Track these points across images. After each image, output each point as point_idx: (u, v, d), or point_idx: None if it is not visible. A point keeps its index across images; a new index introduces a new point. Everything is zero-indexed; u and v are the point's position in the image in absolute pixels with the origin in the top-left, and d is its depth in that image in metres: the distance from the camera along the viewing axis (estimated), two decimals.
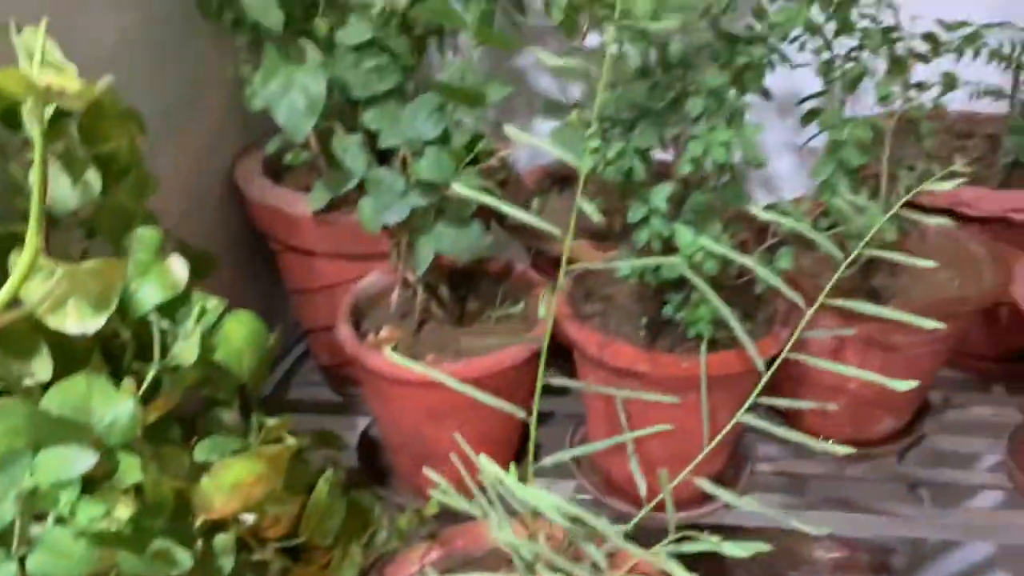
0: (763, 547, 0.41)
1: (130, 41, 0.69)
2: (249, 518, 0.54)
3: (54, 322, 0.38)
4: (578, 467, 0.75)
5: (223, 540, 0.52)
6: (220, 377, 0.55)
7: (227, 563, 0.52)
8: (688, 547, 0.43)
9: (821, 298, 0.52)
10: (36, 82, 0.35)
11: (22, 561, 0.34)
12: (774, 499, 0.80)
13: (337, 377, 0.88)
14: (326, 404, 0.88)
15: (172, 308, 0.52)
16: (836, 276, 0.52)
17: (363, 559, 0.62)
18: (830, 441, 0.78)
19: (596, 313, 0.71)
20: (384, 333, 0.71)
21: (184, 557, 0.41)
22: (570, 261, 0.77)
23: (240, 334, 0.53)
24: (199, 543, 0.50)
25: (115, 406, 0.39)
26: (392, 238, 0.71)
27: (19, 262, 0.35)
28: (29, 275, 0.35)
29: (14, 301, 0.37)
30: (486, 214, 0.74)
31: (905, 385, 0.50)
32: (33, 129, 0.35)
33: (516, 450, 0.77)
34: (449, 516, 0.72)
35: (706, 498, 0.73)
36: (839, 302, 0.53)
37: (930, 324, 0.51)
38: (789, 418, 0.80)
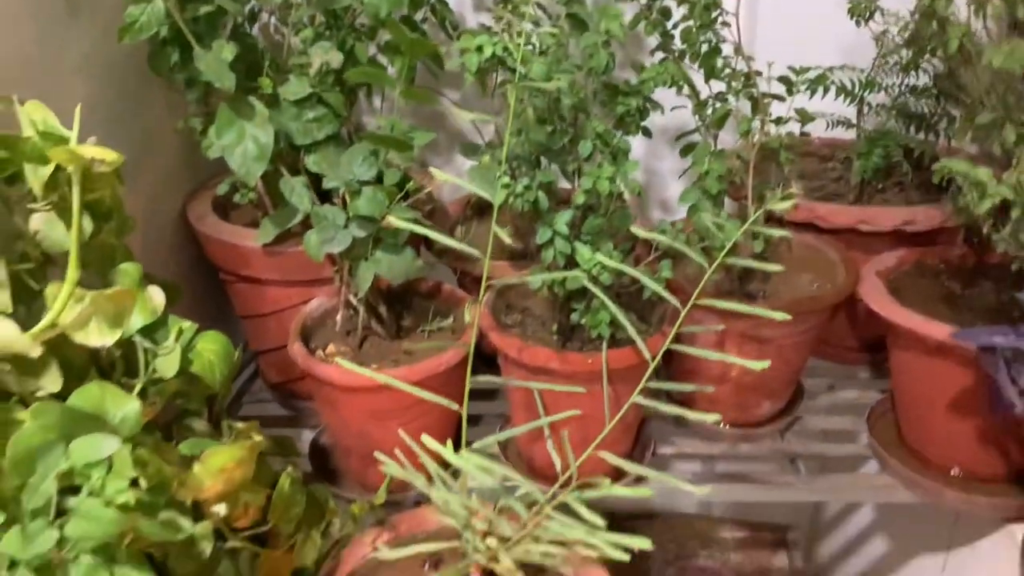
0: (647, 492, 0.52)
1: (95, 102, 0.78)
2: (222, 510, 0.63)
3: (80, 338, 0.47)
4: (505, 456, 0.86)
5: (203, 527, 0.60)
6: (194, 388, 0.64)
7: (207, 547, 0.60)
8: (589, 493, 0.54)
9: (693, 298, 0.65)
10: (82, 154, 0.45)
11: (61, 528, 0.43)
12: (676, 475, 0.91)
13: (286, 393, 0.97)
14: (276, 418, 0.97)
15: (152, 330, 0.61)
16: (704, 280, 0.64)
17: (322, 544, 0.72)
18: (720, 422, 0.92)
19: (515, 323, 0.82)
20: (331, 349, 0.81)
21: (186, 524, 0.50)
22: (491, 279, 0.88)
23: (211, 350, 0.63)
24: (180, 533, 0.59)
25: (124, 405, 0.48)
26: (334, 265, 0.81)
27: (62, 290, 0.44)
28: (70, 300, 0.44)
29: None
30: (417, 242, 0.85)
31: (760, 365, 0.62)
32: (74, 189, 0.45)
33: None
34: (395, 506, 0.82)
35: (616, 479, 0.84)
36: (709, 301, 0.65)
37: (779, 316, 0.64)
38: (684, 406, 0.92)
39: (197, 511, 0.60)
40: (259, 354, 0.98)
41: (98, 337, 0.47)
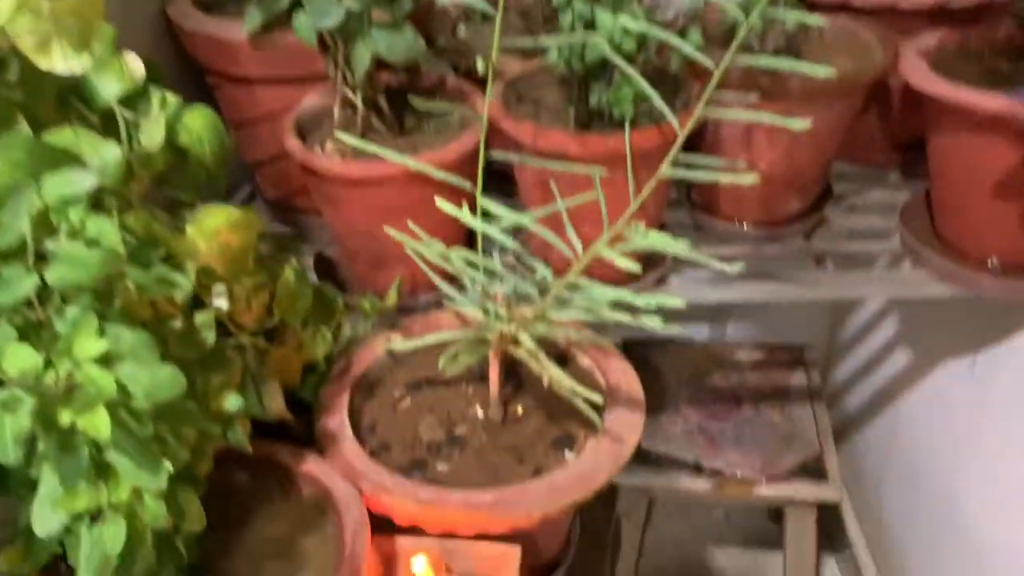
0: (683, 247, 0.48)
1: None
2: (224, 304, 0.59)
3: (43, 63, 0.41)
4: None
5: (204, 316, 0.57)
6: (184, 169, 0.59)
7: (209, 336, 0.57)
8: (621, 246, 0.49)
9: (728, 56, 0.58)
10: None
11: (42, 276, 0.39)
12: (699, 275, 0.85)
13: (285, 209, 0.92)
14: (277, 236, 0.92)
15: (133, 101, 0.55)
16: (739, 36, 0.57)
17: (332, 342, 0.68)
18: (744, 223, 0.87)
19: (527, 115, 0.76)
20: (330, 146, 0.75)
21: (183, 281, 0.46)
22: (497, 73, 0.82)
23: (199, 123, 0.57)
24: (181, 322, 0.55)
25: (103, 151, 0.43)
26: (328, 54, 0.74)
27: None
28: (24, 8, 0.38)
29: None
30: (416, 23, 0.78)
31: (800, 124, 0.57)
32: None
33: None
34: (407, 311, 0.78)
35: (634, 279, 0.80)
36: (744, 60, 0.59)
37: (822, 71, 0.58)
38: (708, 208, 0.87)
39: (198, 305, 0.57)
40: (255, 169, 0.92)
41: (62, 60, 0.42)
